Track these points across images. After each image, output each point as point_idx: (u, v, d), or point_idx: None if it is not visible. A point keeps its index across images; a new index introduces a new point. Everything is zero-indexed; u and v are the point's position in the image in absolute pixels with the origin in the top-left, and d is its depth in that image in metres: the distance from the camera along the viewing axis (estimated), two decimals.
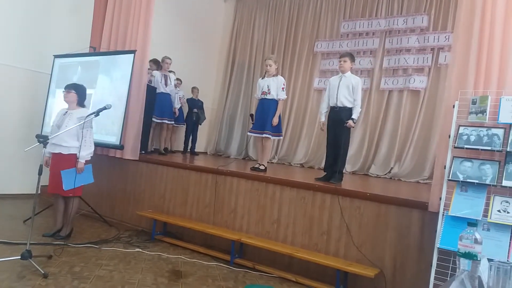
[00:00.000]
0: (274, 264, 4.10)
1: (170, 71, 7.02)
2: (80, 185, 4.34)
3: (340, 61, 4.81)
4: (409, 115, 7.23)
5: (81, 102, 4.48)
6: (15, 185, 6.16)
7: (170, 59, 6.77)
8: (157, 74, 6.69)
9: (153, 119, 6.63)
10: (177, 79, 7.48)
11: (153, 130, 6.80)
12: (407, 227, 3.57)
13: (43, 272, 3.28)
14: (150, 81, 6.59)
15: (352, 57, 4.84)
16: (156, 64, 6.85)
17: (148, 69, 6.41)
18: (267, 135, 5.21)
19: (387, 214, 3.68)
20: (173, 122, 7.21)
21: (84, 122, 4.14)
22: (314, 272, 3.88)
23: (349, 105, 4.64)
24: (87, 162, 4.38)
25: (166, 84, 6.72)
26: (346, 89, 4.65)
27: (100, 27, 6.26)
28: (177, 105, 7.33)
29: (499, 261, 1.43)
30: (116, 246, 4.36)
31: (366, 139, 7.55)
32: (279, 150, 8.49)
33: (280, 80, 5.28)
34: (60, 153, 4.26)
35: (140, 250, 4.31)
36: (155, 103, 6.57)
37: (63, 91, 4.49)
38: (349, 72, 4.75)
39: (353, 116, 4.61)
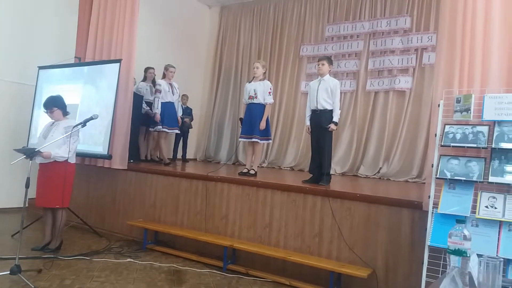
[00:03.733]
0: (267, 269, 4.10)
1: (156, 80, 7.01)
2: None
3: (318, 65, 4.89)
4: (396, 115, 7.31)
5: (65, 113, 4.44)
6: (2, 198, 6.05)
7: (174, 67, 6.61)
8: (163, 83, 6.50)
9: (165, 130, 6.42)
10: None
11: (151, 138, 6.70)
12: (397, 226, 3.60)
13: (33, 286, 3.23)
14: (159, 90, 6.42)
15: (329, 60, 4.92)
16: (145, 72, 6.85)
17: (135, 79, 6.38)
18: (255, 140, 5.23)
19: (377, 214, 3.71)
20: (178, 131, 6.97)
21: (70, 133, 4.11)
22: (308, 274, 3.88)
23: (329, 107, 4.71)
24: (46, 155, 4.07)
25: (173, 93, 6.62)
26: (325, 92, 4.71)
27: (85, 37, 6.23)
28: (180, 113, 7.24)
29: (488, 256, 1.45)
30: (107, 257, 4.31)
31: (354, 140, 7.61)
32: (268, 154, 8.51)
33: (267, 84, 5.31)
34: (46, 163, 4.20)
35: (132, 260, 4.27)
36: (163, 114, 6.37)
37: (45, 111, 4.41)
38: (327, 75, 4.82)
39: (334, 119, 4.67)
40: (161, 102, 6.42)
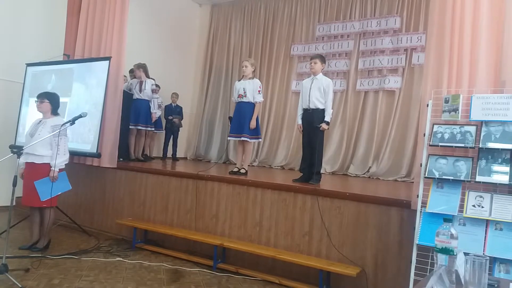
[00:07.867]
0: (257, 267, 4.10)
1: (151, 78, 6.98)
2: (57, 193, 4.24)
3: (310, 63, 4.88)
4: (385, 115, 7.37)
5: (55, 111, 4.38)
6: None
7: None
8: (133, 81, 6.63)
9: (132, 127, 6.53)
10: (156, 85, 7.42)
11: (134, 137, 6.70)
12: (386, 225, 3.63)
13: (20, 286, 3.19)
14: (130, 89, 6.53)
15: (322, 58, 4.91)
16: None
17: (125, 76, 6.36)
18: (245, 138, 5.22)
19: (366, 213, 3.74)
20: (148, 128, 7.08)
21: (59, 131, 4.06)
22: (297, 273, 3.90)
23: (321, 106, 4.69)
24: (61, 170, 4.28)
25: (140, 90, 6.64)
26: (317, 91, 4.70)
27: (74, 34, 6.16)
28: (155, 111, 7.24)
29: (474, 255, 1.47)
30: (96, 256, 4.28)
31: (344, 139, 7.66)
32: (259, 153, 8.52)
33: (256, 83, 5.31)
34: (33, 162, 4.15)
35: (121, 259, 4.24)
36: (131, 111, 6.50)
37: (35, 101, 4.37)
38: (320, 74, 4.81)
39: (325, 119, 4.65)
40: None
